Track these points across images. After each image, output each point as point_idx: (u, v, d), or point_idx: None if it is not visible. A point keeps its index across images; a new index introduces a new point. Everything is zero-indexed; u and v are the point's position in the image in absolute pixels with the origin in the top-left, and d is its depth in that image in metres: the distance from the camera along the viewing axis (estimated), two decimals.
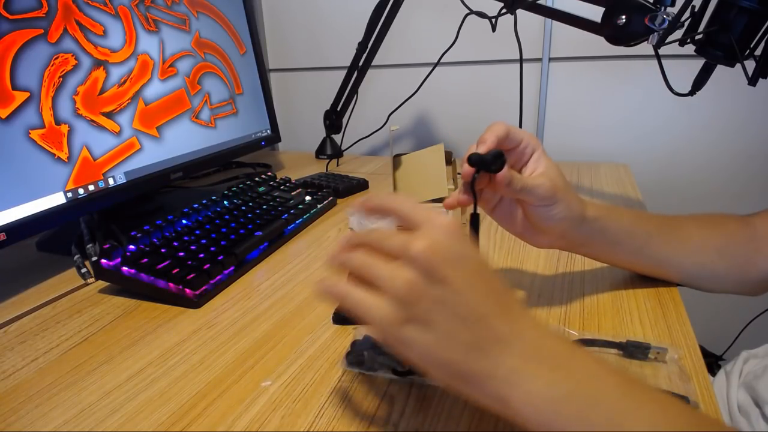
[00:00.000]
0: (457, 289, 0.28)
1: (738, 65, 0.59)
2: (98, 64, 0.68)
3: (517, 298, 0.31)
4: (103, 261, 0.56)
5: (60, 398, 0.41)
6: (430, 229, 0.29)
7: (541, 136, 1.17)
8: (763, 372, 0.55)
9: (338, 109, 1.18)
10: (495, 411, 0.29)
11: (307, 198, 0.82)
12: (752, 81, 0.59)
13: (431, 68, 0.99)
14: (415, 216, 0.30)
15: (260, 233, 0.67)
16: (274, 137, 1.09)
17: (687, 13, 0.60)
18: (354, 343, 0.43)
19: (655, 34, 0.63)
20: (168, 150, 0.80)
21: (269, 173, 0.91)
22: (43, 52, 0.61)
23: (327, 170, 1.11)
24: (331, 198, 0.85)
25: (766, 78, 0.59)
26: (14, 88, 0.58)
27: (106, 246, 0.57)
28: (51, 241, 0.75)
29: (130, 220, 0.77)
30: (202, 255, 0.59)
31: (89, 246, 0.67)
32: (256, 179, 0.87)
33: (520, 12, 0.76)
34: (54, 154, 0.63)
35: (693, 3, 0.60)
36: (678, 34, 0.62)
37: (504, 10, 0.77)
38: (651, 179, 1.09)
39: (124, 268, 0.55)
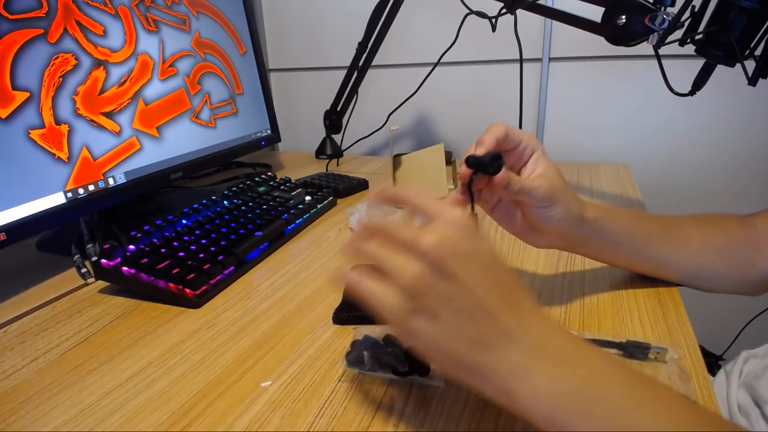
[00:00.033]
0: (465, 284, 0.29)
1: (738, 65, 0.59)
2: (98, 64, 0.68)
3: (528, 295, 0.31)
4: (103, 261, 0.56)
5: (60, 398, 0.41)
6: (441, 224, 0.30)
7: (541, 136, 1.17)
8: (763, 372, 0.55)
9: (338, 109, 1.18)
10: (500, 404, 0.30)
11: (307, 198, 0.82)
12: (752, 81, 0.59)
13: (431, 68, 0.99)
14: (429, 209, 0.31)
15: (260, 233, 0.67)
16: (274, 137, 1.09)
17: (687, 13, 0.60)
18: (354, 343, 0.43)
19: (655, 34, 0.63)
20: (168, 150, 0.80)
21: (269, 173, 0.91)
22: (43, 52, 0.61)
23: (327, 170, 1.11)
24: (331, 198, 0.85)
25: (766, 78, 0.59)
26: (14, 88, 0.58)
27: (106, 246, 0.57)
28: (51, 241, 0.75)
29: (130, 220, 0.77)
30: (202, 255, 0.59)
31: (89, 246, 0.67)
32: (256, 179, 0.87)
33: (520, 12, 0.76)
34: (54, 154, 0.63)
35: (693, 3, 0.60)
36: (678, 34, 0.62)
37: (504, 10, 0.77)
38: (651, 179, 1.09)
39: (124, 268, 0.55)
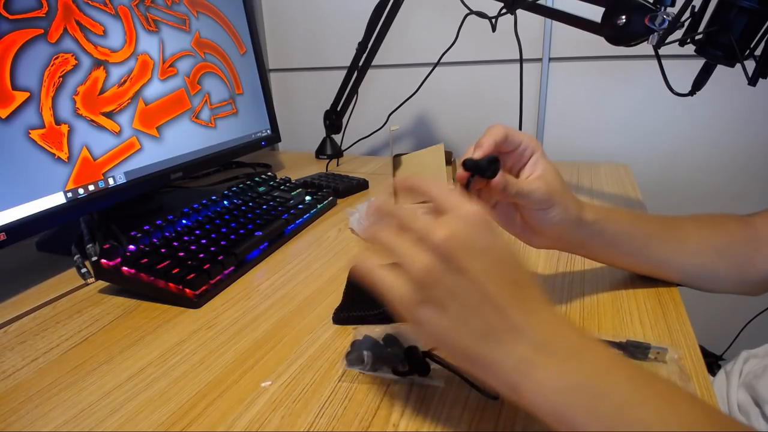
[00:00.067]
0: (474, 278, 0.29)
1: (738, 65, 0.59)
2: (98, 64, 0.68)
3: (539, 291, 0.31)
4: (103, 261, 0.56)
5: (60, 398, 0.41)
6: (454, 218, 0.30)
7: (541, 136, 1.17)
8: (763, 372, 0.55)
9: (338, 109, 1.18)
10: (507, 397, 0.30)
11: (307, 198, 0.82)
12: (752, 81, 0.59)
13: (431, 68, 0.99)
14: (444, 202, 0.31)
15: (260, 233, 0.67)
16: (274, 137, 1.09)
17: (687, 13, 0.60)
18: (354, 343, 0.43)
19: (655, 34, 0.63)
20: (168, 150, 0.80)
21: (269, 173, 0.91)
22: (43, 52, 0.61)
23: (327, 170, 1.11)
24: (331, 198, 0.85)
25: (766, 78, 0.59)
26: (14, 88, 0.58)
27: (106, 246, 0.57)
28: (51, 241, 0.75)
29: (130, 220, 0.77)
30: (202, 255, 0.59)
31: (89, 246, 0.67)
32: (256, 179, 0.87)
33: (520, 12, 0.76)
34: (54, 154, 0.63)
35: (693, 3, 0.60)
36: (678, 34, 0.62)
37: (504, 10, 0.77)
38: (651, 179, 1.09)
39: (124, 268, 0.55)
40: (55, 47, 0.63)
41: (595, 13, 0.68)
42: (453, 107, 1.24)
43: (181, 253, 0.59)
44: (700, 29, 0.61)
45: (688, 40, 0.62)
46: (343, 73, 1.12)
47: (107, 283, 0.59)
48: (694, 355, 0.42)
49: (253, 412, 0.38)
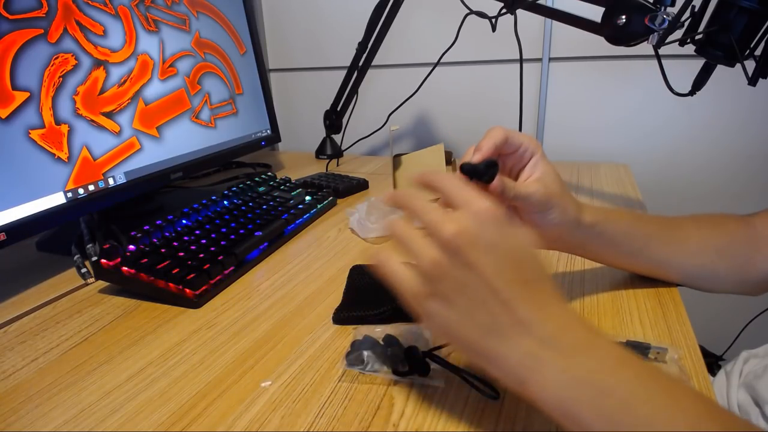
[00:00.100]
0: (482, 273, 0.29)
1: (738, 65, 0.59)
2: (98, 64, 0.68)
3: (550, 287, 0.32)
4: (103, 261, 0.56)
5: (60, 398, 0.41)
6: (464, 213, 0.30)
7: (541, 136, 1.17)
8: (763, 372, 0.55)
9: (338, 109, 1.18)
10: (514, 391, 0.31)
11: (307, 198, 0.82)
12: (752, 81, 0.59)
13: (431, 68, 0.99)
14: (456, 197, 0.32)
15: (260, 233, 0.67)
16: (274, 137, 1.09)
17: (687, 13, 0.60)
18: (354, 343, 0.43)
19: (655, 34, 0.63)
20: (168, 150, 0.80)
21: (269, 173, 0.91)
22: (43, 52, 0.61)
23: (327, 170, 1.11)
24: (331, 198, 0.85)
25: (766, 78, 0.59)
26: (14, 88, 0.58)
27: (106, 246, 0.57)
28: (51, 241, 0.75)
29: (130, 220, 0.77)
30: (202, 255, 0.59)
31: (89, 246, 0.67)
32: (256, 179, 0.87)
33: (520, 12, 0.76)
34: (54, 154, 0.63)
35: (693, 3, 0.60)
36: (678, 34, 0.62)
37: (504, 10, 0.77)
38: (651, 179, 1.09)
39: (124, 268, 0.55)
40: (55, 47, 0.63)
41: (595, 13, 0.68)
42: (453, 107, 1.24)
43: (181, 253, 0.59)
44: (700, 29, 0.61)
45: (688, 40, 0.62)
46: (343, 73, 1.12)
47: (107, 283, 0.59)
48: (694, 355, 0.42)
49: (253, 412, 0.38)
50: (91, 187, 0.67)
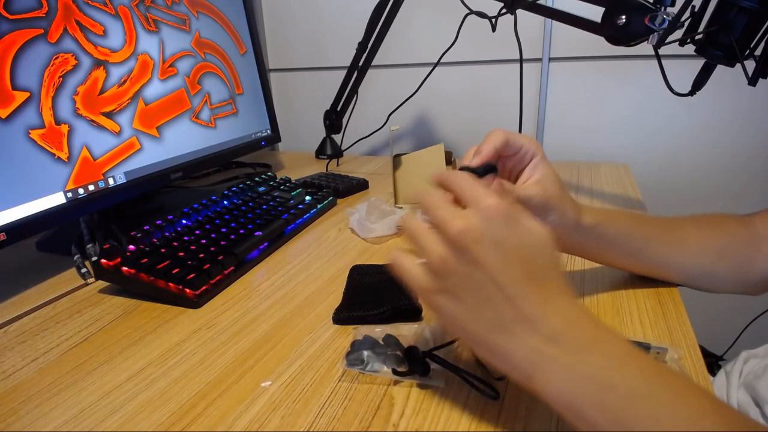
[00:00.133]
0: (488, 270, 0.30)
1: (738, 65, 0.59)
2: (98, 64, 0.68)
3: (559, 283, 0.32)
4: (103, 261, 0.56)
5: (60, 398, 0.41)
6: (473, 211, 0.31)
7: (541, 137, 1.17)
8: (763, 372, 0.55)
9: (338, 109, 1.18)
10: (521, 385, 0.31)
11: (307, 198, 0.82)
12: (752, 81, 0.59)
13: (431, 68, 0.99)
14: (466, 195, 0.32)
15: (260, 233, 0.67)
16: (274, 137, 1.09)
17: (687, 13, 0.60)
18: (354, 343, 0.43)
19: (655, 34, 0.63)
20: (168, 150, 0.80)
21: (269, 173, 0.91)
22: (43, 52, 0.61)
23: (327, 170, 1.11)
24: (331, 198, 0.85)
25: (766, 78, 0.59)
26: (14, 88, 0.58)
27: (106, 246, 0.57)
28: (51, 241, 0.75)
29: (130, 220, 0.77)
30: (202, 255, 0.59)
31: (89, 246, 0.67)
32: (256, 179, 0.87)
33: (520, 12, 0.76)
34: (54, 154, 0.63)
35: (693, 3, 0.60)
36: (678, 34, 0.62)
37: (504, 10, 0.77)
38: (651, 179, 1.09)
39: (124, 268, 0.55)
40: (55, 47, 0.63)
41: (595, 13, 0.68)
42: (453, 107, 1.24)
43: (181, 253, 0.59)
44: (700, 29, 0.61)
45: (688, 40, 0.62)
46: (343, 73, 1.12)
47: (107, 283, 0.59)
48: (694, 355, 0.42)
49: (253, 412, 0.38)
50: (91, 187, 0.67)
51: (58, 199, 0.63)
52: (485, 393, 0.37)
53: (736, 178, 1.06)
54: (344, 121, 1.20)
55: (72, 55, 0.65)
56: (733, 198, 1.07)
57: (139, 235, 0.61)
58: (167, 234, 0.64)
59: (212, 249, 0.61)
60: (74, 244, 0.69)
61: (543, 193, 0.41)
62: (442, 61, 0.95)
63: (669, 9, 0.62)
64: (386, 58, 1.23)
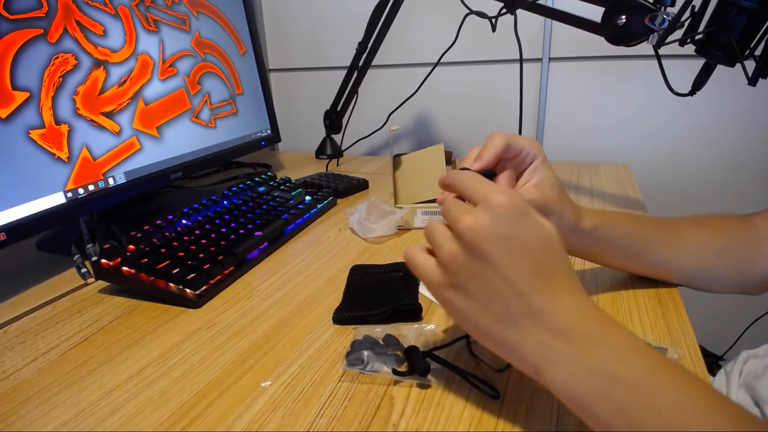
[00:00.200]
0: (496, 265, 0.31)
1: (738, 65, 0.59)
2: (98, 64, 0.68)
3: (568, 278, 0.32)
4: (103, 261, 0.56)
5: (60, 398, 0.41)
6: (482, 208, 0.32)
7: (540, 136, 1.17)
8: (763, 372, 0.55)
9: (338, 109, 1.18)
10: (530, 377, 0.32)
11: (307, 198, 0.82)
12: (752, 81, 0.59)
13: (431, 68, 0.99)
14: (475, 194, 0.33)
15: (260, 233, 0.67)
16: (274, 137, 1.09)
17: (687, 13, 0.60)
18: (354, 343, 0.43)
19: (655, 34, 0.63)
20: (168, 150, 0.80)
21: (269, 173, 0.91)
22: (43, 52, 0.61)
23: (327, 170, 1.11)
24: (331, 198, 0.85)
25: (766, 78, 0.59)
26: (14, 88, 0.58)
27: (106, 246, 0.57)
28: (51, 241, 0.75)
29: (130, 220, 0.77)
30: (202, 255, 0.59)
31: (89, 246, 0.67)
32: (256, 179, 0.87)
33: (520, 12, 0.76)
34: (54, 154, 0.63)
35: (693, 3, 0.60)
36: (678, 34, 0.62)
37: (504, 10, 0.77)
38: (651, 179, 1.09)
39: (124, 268, 0.55)
40: (55, 47, 0.63)
41: (595, 13, 0.68)
42: (453, 107, 1.24)
43: (181, 253, 0.59)
44: (700, 29, 0.61)
45: (688, 40, 0.62)
46: (343, 73, 1.12)
47: (107, 283, 0.59)
48: (694, 355, 0.42)
49: (253, 412, 0.38)
50: (91, 187, 0.67)
51: (58, 199, 0.63)
52: (485, 392, 0.37)
53: (736, 178, 1.06)
54: (344, 121, 1.20)
55: (72, 55, 0.65)
56: (733, 198, 1.07)
57: (139, 235, 0.61)
58: (167, 234, 0.64)
59: (212, 249, 0.61)
60: (74, 244, 0.69)
61: (541, 197, 0.41)
62: (442, 61, 0.95)
63: (669, 9, 0.62)
64: (386, 58, 1.23)
